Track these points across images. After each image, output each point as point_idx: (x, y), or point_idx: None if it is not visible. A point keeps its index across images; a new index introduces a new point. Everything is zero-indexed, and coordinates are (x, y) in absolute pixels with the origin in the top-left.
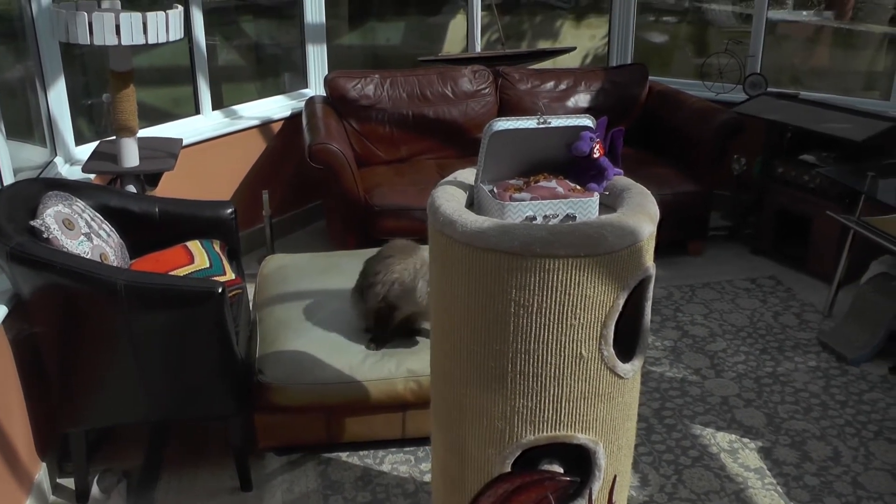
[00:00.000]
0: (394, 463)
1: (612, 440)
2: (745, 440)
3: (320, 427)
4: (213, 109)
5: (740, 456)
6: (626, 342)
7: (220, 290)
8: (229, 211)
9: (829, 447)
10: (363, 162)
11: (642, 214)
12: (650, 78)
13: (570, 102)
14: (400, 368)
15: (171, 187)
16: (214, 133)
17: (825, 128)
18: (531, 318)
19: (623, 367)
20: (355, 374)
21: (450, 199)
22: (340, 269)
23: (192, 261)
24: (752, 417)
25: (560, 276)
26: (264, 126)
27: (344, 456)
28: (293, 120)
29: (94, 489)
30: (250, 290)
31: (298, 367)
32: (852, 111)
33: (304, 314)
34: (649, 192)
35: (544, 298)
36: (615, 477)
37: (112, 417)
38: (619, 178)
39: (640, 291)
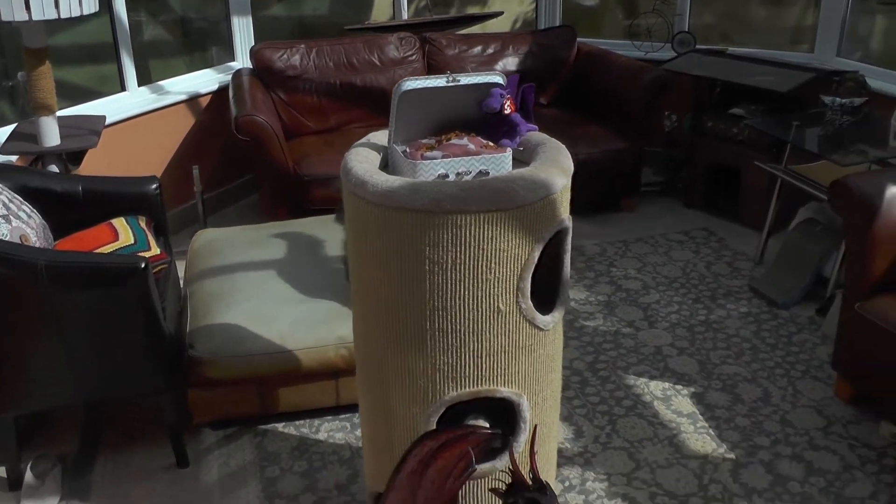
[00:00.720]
0: (329, 430)
1: (536, 392)
2: (678, 387)
3: (254, 399)
4: (140, 86)
5: (673, 403)
6: (546, 295)
7: (143, 266)
8: (154, 186)
9: (759, 389)
10: (292, 133)
11: (554, 168)
12: (578, 40)
13: (499, 66)
14: (330, 336)
15: (99, 166)
16: (141, 110)
17: (752, 81)
18: (446, 275)
19: (543, 320)
20: (286, 343)
21: (362, 160)
22: (270, 241)
23: (116, 238)
24: (684, 365)
25: (472, 232)
26: (192, 101)
27: (280, 427)
28: (221, 94)
29: (28, 475)
30: (182, 266)
31: (229, 339)
32: (778, 64)
33: (233, 287)
34: (564, 146)
35: (458, 254)
36: (535, 427)
37: (41, 401)
38: (534, 134)
39: (557, 244)
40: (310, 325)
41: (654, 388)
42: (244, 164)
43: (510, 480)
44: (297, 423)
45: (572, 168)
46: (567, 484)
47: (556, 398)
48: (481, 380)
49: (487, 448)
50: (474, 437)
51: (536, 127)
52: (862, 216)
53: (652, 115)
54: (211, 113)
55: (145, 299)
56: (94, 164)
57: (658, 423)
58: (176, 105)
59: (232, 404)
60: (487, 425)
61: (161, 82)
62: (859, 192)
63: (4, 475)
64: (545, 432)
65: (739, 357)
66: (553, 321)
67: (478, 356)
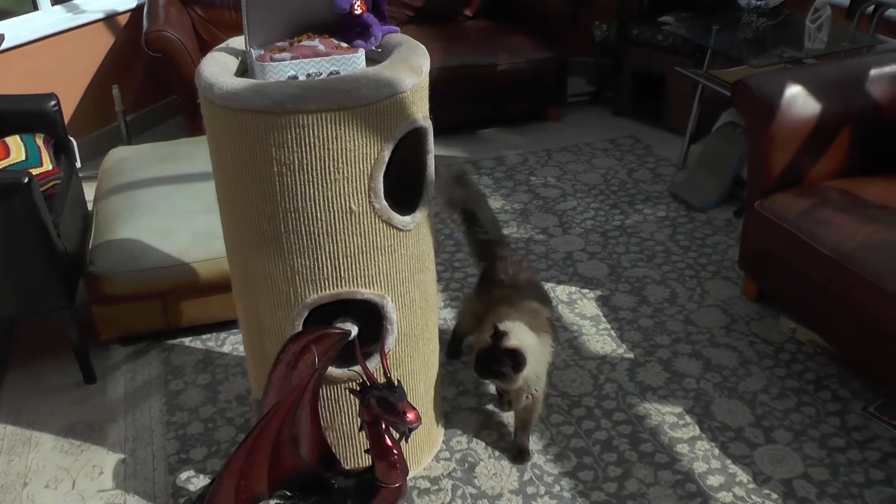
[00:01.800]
0: (234, 343)
1: (402, 294)
2: (585, 291)
3: (158, 314)
4: (53, 5)
5: (578, 306)
6: (411, 196)
7: (26, 181)
8: (52, 103)
9: (667, 290)
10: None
11: (403, 66)
12: None
13: None
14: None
15: (12, 88)
16: (55, 29)
17: None
18: (294, 176)
19: (401, 220)
20: (183, 257)
21: (214, 64)
22: (178, 157)
23: (7, 155)
24: (594, 269)
25: (316, 132)
26: (110, 19)
27: (187, 341)
28: (140, 11)
29: None
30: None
31: (128, 254)
32: None
33: (136, 203)
34: (422, 46)
35: (304, 155)
36: (385, 327)
37: None
38: (394, 36)
39: (418, 145)
40: (208, 238)
41: (560, 293)
42: (168, 84)
43: (362, 381)
44: (203, 336)
45: (427, 67)
46: (461, 388)
47: (427, 300)
48: (340, 281)
49: (338, 347)
50: (327, 338)
51: (398, 29)
52: (761, 115)
53: (579, 25)
54: (131, 31)
55: (33, 214)
56: (8, 86)
57: (560, 327)
58: (93, 24)
59: (137, 320)
60: (355, 328)
61: (76, 1)
62: (759, 90)
63: None
64: (417, 334)
65: (651, 260)
66: (414, 222)
67: (335, 258)
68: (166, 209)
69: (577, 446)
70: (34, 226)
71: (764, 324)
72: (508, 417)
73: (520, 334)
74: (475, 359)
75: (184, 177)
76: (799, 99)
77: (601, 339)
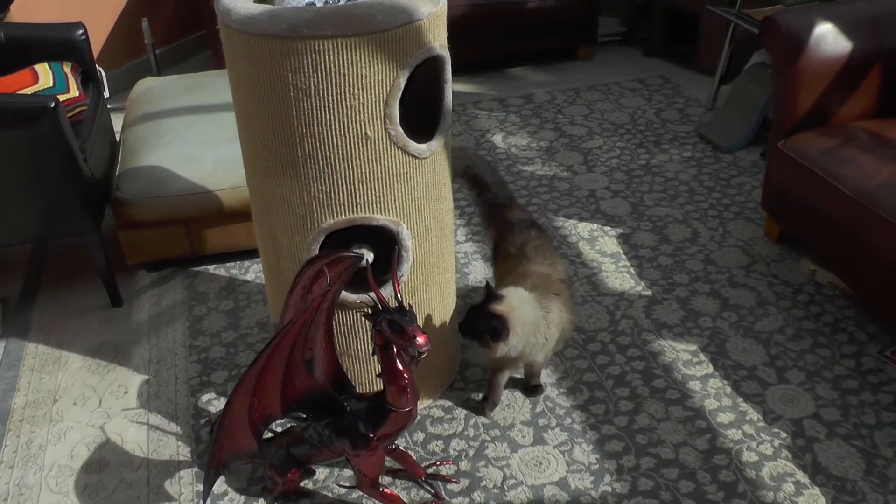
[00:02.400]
0: (257, 272)
1: (418, 221)
2: (606, 228)
3: (183, 241)
4: None
5: (598, 243)
6: (428, 124)
7: (52, 105)
8: (80, 32)
9: (688, 229)
10: None
11: None
12: None
13: None
14: None
15: (42, 19)
16: None
17: None
18: (311, 102)
19: (417, 147)
20: (206, 184)
21: None
22: (204, 87)
23: (36, 81)
24: (616, 207)
25: (332, 57)
26: None
27: (211, 269)
28: None
29: None
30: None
31: (153, 181)
32: None
33: (162, 131)
34: None
35: (320, 80)
36: (397, 251)
37: None
38: None
39: (435, 73)
40: (232, 166)
41: (581, 230)
42: (198, 18)
43: (373, 304)
44: (227, 264)
45: None
46: None
47: (444, 229)
48: (356, 207)
49: (353, 271)
50: (340, 261)
51: None
52: (788, 52)
53: None
54: None
55: (59, 138)
56: (35, 16)
57: (580, 263)
58: None
59: (162, 246)
60: (371, 254)
61: None
62: (787, 27)
63: None
64: (433, 263)
65: (674, 199)
66: (430, 150)
67: (350, 183)
68: (192, 137)
69: (590, 380)
70: (61, 149)
71: (784, 265)
72: None
73: (515, 301)
74: (463, 316)
75: (210, 107)
76: (828, 36)
77: (620, 276)
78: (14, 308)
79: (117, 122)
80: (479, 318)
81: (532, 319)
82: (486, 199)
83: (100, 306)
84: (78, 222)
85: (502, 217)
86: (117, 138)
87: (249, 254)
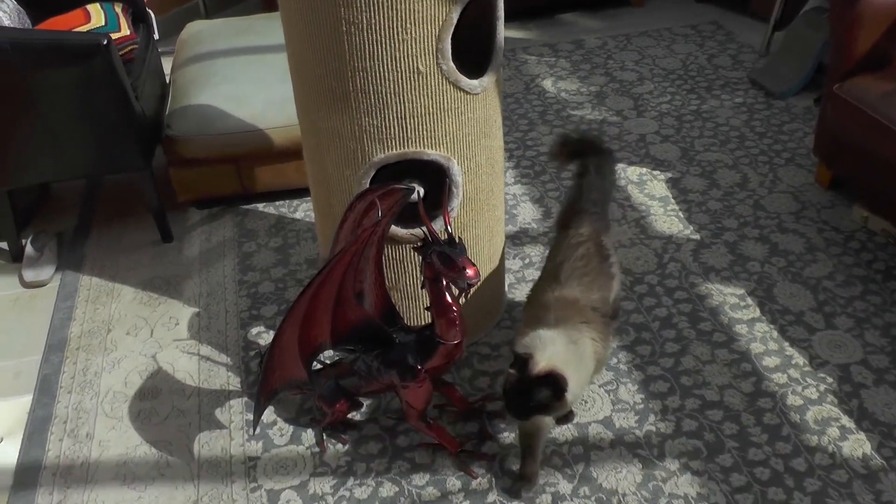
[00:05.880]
0: (306, 210)
1: (469, 157)
2: (656, 172)
3: (233, 179)
4: None
5: (647, 187)
6: (481, 60)
7: (104, 42)
8: None
9: (738, 175)
10: None
11: None
12: None
13: None
14: None
15: None
16: None
17: None
18: (363, 36)
19: (469, 83)
20: (257, 122)
21: None
22: (254, 30)
23: (88, 20)
24: (666, 152)
25: None
26: None
27: (261, 207)
28: None
29: (28, 248)
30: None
31: (203, 119)
32: None
33: (212, 71)
34: None
35: (372, 14)
36: (448, 185)
37: (27, 177)
38: None
39: (487, 9)
40: (282, 105)
41: (630, 174)
42: None
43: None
44: (276, 203)
45: None
46: (527, 261)
47: (493, 166)
48: (407, 142)
49: (403, 203)
50: (391, 194)
51: None
52: None
53: None
54: None
55: (111, 76)
56: None
57: (628, 206)
58: None
59: (212, 184)
60: (421, 188)
61: None
62: None
63: (7, 248)
64: (482, 200)
65: (724, 145)
66: (482, 86)
67: (402, 118)
68: (242, 77)
69: (637, 321)
70: (113, 86)
71: (835, 212)
72: None
73: (545, 347)
74: (505, 400)
75: (259, 48)
76: None
77: (668, 220)
78: (69, 242)
79: (167, 65)
80: (528, 392)
81: (573, 358)
82: (573, 200)
83: (151, 241)
84: (130, 159)
85: (566, 226)
86: (167, 80)
87: (299, 192)
